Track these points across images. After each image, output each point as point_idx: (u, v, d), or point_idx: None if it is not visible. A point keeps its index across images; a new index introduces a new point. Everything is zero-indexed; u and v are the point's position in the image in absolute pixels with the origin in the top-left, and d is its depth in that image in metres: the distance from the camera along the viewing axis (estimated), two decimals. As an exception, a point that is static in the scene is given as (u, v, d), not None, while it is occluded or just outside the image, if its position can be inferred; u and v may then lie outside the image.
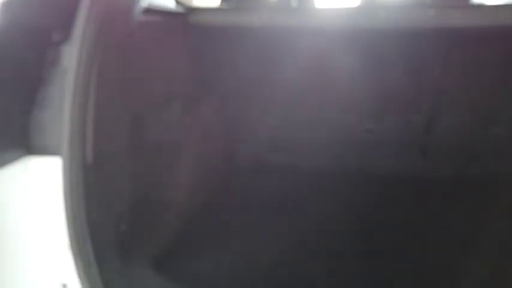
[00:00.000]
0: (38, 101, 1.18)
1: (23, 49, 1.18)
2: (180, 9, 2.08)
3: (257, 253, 1.79)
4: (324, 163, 2.48)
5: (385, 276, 1.63)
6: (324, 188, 2.31)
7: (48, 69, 1.18)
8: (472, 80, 2.18)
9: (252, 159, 2.54)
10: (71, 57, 1.13)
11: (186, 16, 2.11)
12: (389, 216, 2.04)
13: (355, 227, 1.95)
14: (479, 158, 2.35)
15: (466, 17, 1.96)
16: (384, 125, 2.36)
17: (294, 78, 2.30)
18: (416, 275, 1.62)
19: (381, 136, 2.38)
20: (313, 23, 2.11)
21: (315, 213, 2.08)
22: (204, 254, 1.75)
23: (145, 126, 1.73)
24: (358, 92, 2.29)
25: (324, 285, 1.62)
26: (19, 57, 1.18)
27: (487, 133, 2.28)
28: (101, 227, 1.21)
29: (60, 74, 1.17)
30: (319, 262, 1.72)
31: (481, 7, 2.27)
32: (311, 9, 2.40)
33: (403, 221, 1.99)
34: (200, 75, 2.26)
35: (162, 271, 1.54)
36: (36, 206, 1.17)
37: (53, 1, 1.23)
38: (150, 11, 1.67)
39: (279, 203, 2.18)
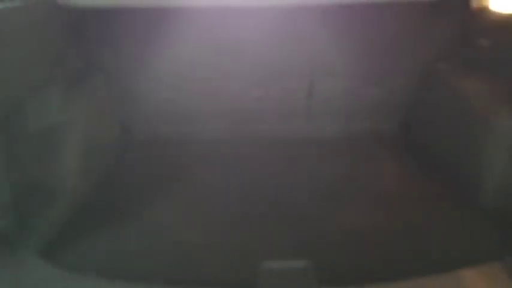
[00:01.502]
0: None
1: None
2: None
3: (156, 231, 1.83)
4: (218, 132, 2.60)
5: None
6: (220, 155, 2.44)
7: None
8: (344, 48, 2.37)
9: (146, 133, 2.57)
10: None
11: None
12: (281, 177, 2.22)
13: (253, 190, 2.10)
14: (356, 117, 2.60)
15: None
16: (270, 92, 2.50)
17: (181, 52, 2.35)
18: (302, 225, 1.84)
19: (269, 102, 2.53)
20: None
21: (215, 181, 2.20)
22: (98, 237, 1.76)
23: (24, 112, 1.69)
24: (244, 62, 2.40)
25: (227, 253, 1.70)
26: None
27: (362, 94, 2.51)
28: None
29: None
30: (223, 230, 1.83)
31: None
32: None
33: (292, 180, 2.19)
34: (82, 56, 2.22)
35: (53, 260, 1.56)
36: None
37: None
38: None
39: (178, 174, 2.26)
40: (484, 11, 2.02)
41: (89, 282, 1.50)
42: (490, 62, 2.10)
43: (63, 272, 1.51)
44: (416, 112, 2.51)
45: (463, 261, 1.53)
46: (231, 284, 1.55)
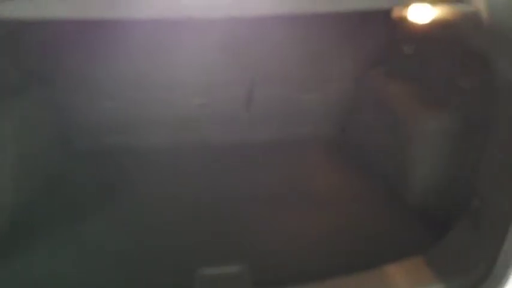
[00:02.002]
0: None
1: None
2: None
3: (92, 241, 1.84)
4: (160, 140, 2.62)
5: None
6: (162, 163, 2.46)
7: None
8: (282, 57, 2.46)
9: (88, 143, 2.56)
10: None
11: None
12: (221, 182, 2.28)
13: (191, 196, 2.14)
14: (294, 122, 2.69)
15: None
16: (213, 99, 2.54)
17: (122, 62, 2.36)
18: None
19: (210, 110, 2.58)
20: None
21: (155, 189, 2.22)
22: (39, 245, 1.77)
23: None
24: (186, 71, 2.44)
25: (163, 261, 1.73)
26: None
27: (299, 100, 2.60)
28: None
29: None
30: (160, 237, 1.85)
31: None
32: None
33: (231, 185, 2.25)
34: (20, 67, 2.19)
35: None
36: None
37: None
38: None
39: (118, 184, 2.26)
40: (404, 21, 2.16)
41: None
42: (413, 68, 2.24)
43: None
44: (351, 116, 2.63)
45: (388, 257, 1.63)
46: None
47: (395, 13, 2.22)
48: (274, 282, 1.57)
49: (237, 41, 2.38)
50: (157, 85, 2.47)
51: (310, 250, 1.77)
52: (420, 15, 2.00)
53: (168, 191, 2.20)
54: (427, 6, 1.94)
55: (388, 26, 2.35)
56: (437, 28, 1.94)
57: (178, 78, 2.47)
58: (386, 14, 2.26)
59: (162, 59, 2.39)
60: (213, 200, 2.11)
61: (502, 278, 1.40)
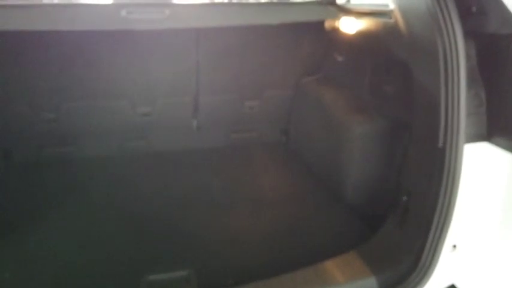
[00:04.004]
0: None
1: None
2: None
3: (34, 253, 1.81)
4: (104, 149, 2.61)
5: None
6: (106, 173, 2.46)
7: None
8: (225, 66, 2.53)
9: (29, 155, 2.51)
10: None
11: None
12: (166, 189, 2.32)
13: (136, 205, 2.16)
14: (239, 127, 2.79)
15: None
16: (158, 107, 2.57)
17: (61, 71, 2.33)
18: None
19: (157, 117, 2.60)
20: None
21: (97, 199, 2.21)
22: None
23: None
24: (129, 81, 2.46)
25: (109, 270, 1.74)
26: None
27: (243, 106, 2.69)
28: None
29: None
30: (105, 247, 1.86)
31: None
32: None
33: (177, 191, 2.30)
34: None
35: None
36: None
37: None
38: None
39: (60, 195, 2.24)
40: (336, 31, 2.30)
41: None
42: (344, 75, 2.39)
43: None
44: (292, 120, 2.75)
45: (327, 254, 1.73)
46: None
47: (328, 25, 2.35)
48: (219, 284, 1.63)
49: (180, 51, 2.44)
50: (98, 95, 2.47)
51: (253, 251, 1.85)
52: (349, 27, 2.15)
53: (112, 200, 2.21)
54: (354, 18, 2.10)
55: (322, 36, 2.49)
56: (364, 39, 2.09)
57: (121, 89, 2.48)
58: (320, 25, 2.39)
59: (101, 69, 2.39)
60: (158, 206, 2.15)
61: (428, 269, 1.54)
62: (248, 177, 2.46)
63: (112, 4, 2.09)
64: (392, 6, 1.75)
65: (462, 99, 1.40)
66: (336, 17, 2.20)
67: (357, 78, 2.26)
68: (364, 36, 2.07)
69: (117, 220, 2.04)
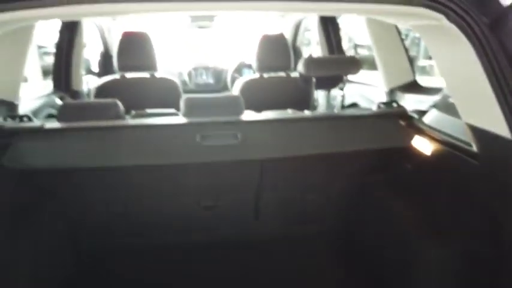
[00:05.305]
0: None
1: None
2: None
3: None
4: (169, 241, 2.70)
5: None
6: (175, 263, 2.58)
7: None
8: (285, 162, 2.54)
9: (101, 248, 2.65)
10: None
11: None
12: (236, 277, 2.42)
13: None
14: (299, 220, 2.81)
15: None
16: (221, 202, 2.64)
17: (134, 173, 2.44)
18: None
19: (219, 211, 2.66)
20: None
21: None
22: None
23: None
24: (196, 181, 2.54)
25: None
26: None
27: (304, 199, 2.71)
28: None
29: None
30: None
31: None
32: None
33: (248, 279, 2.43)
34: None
35: None
36: None
37: None
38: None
39: (134, 284, 2.40)
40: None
41: None
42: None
43: None
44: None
45: None
46: None
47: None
48: None
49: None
50: (164, 193, 2.56)
51: None
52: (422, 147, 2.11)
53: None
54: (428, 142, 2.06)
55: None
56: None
57: (186, 187, 2.56)
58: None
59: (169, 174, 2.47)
60: None
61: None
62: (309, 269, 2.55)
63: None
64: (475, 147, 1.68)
65: None
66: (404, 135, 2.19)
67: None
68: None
69: None
